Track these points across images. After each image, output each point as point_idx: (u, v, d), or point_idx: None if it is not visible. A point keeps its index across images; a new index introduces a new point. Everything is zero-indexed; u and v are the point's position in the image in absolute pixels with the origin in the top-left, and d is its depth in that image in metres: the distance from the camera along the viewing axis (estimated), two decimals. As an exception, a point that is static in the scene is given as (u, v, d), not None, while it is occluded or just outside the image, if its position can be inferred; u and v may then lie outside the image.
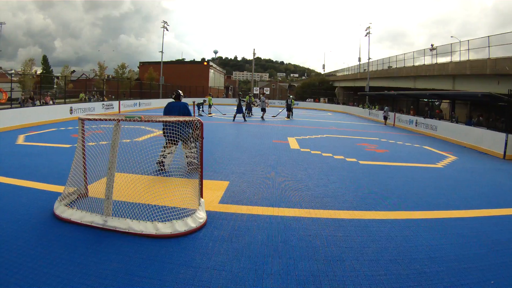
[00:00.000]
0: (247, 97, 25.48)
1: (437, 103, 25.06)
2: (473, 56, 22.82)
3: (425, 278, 3.45)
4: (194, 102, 20.94)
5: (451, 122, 17.59)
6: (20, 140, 10.81)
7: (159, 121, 5.02)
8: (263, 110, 23.14)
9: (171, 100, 7.97)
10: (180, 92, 7.88)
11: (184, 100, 8.01)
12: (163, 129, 6.58)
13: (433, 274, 3.53)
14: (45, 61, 54.26)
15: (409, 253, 3.99)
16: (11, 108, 15.56)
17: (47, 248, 3.74)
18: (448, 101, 21.69)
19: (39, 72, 47.84)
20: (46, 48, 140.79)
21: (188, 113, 7.42)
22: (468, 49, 22.98)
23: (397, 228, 4.76)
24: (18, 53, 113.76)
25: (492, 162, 10.92)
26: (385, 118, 24.88)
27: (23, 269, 3.28)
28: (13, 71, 45.74)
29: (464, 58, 23.59)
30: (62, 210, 4.61)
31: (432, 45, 29.33)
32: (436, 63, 27.36)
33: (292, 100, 25.17)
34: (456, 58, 24.75)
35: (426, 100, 23.15)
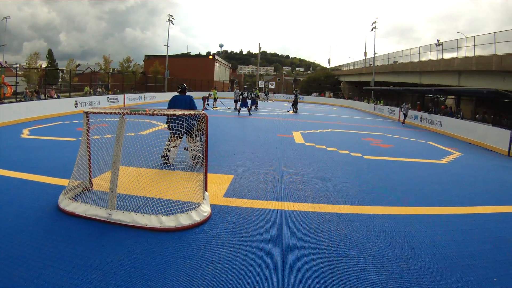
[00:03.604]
0: (257, 90, 25.33)
1: (442, 99, 24.84)
2: (479, 52, 22.58)
3: (428, 274, 3.45)
4: (203, 97, 21.16)
5: (456, 118, 17.48)
6: (25, 133, 10.85)
7: (164, 115, 5.02)
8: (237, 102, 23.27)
9: (176, 93, 7.96)
10: (185, 85, 7.86)
11: (189, 93, 7.98)
12: (167, 122, 6.58)
13: (436, 270, 3.52)
14: (50, 54, 54.15)
15: (412, 249, 3.99)
16: (16, 102, 15.61)
17: (51, 241, 3.76)
18: (453, 97, 21.50)
19: (44, 66, 47.88)
20: (51, 42, 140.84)
21: (193, 106, 7.41)
22: (474, 45, 22.70)
23: (401, 223, 4.75)
24: (23, 47, 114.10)
25: (496, 159, 10.84)
26: (405, 116, 21.64)
27: (27, 262, 3.30)
28: (18, 65, 45.76)
29: (470, 54, 23.31)
30: (67, 204, 4.63)
31: (438, 40, 29.10)
32: (442, 58, 27.08)
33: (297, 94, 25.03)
34: (462, 54, 24.48)
35: (431, 95, 22.94)
